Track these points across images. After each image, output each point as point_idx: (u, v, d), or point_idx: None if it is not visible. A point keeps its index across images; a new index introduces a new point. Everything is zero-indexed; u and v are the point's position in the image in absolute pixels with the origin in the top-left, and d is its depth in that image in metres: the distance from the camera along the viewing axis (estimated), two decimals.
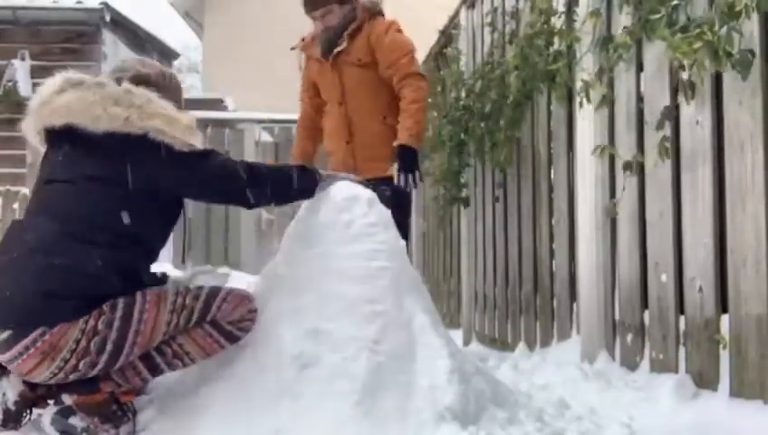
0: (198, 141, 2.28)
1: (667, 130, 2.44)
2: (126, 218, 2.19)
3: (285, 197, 2.50)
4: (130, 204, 2.20)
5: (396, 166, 3.33)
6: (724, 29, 1.97)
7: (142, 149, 2.20)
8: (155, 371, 2.27)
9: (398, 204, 3.15)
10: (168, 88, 2.43)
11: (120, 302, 2.14)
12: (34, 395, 2.25)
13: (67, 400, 2.19)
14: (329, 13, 3.50)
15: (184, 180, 2.27)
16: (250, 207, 2.41)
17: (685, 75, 2.20)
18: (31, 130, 2.32)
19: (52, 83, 2.28)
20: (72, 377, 2.14)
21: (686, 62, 2.14)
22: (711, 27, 2.01)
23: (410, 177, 3.33)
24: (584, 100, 2.90)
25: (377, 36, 3.49)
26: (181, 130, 2.24)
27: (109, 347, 2.12)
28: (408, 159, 3.32)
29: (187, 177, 2.27)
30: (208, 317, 2.25)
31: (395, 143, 3.35)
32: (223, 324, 2.27)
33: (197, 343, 2.26)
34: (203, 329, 2.26)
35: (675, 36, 2.12)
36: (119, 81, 2.34)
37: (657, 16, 2.24)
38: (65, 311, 2.08)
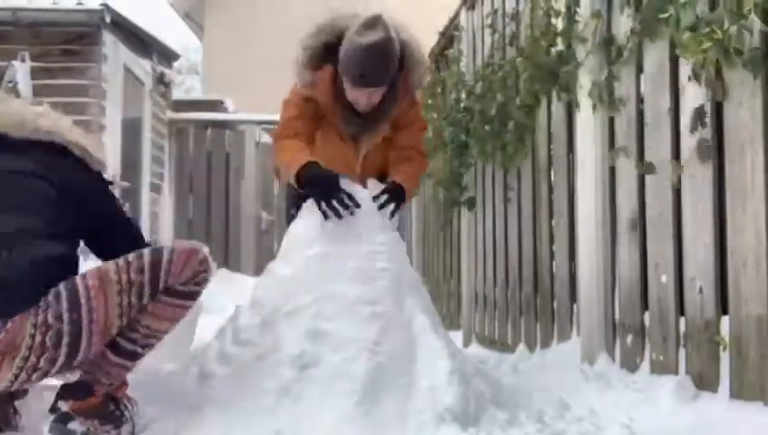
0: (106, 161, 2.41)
1: (704, 133, 2.33)
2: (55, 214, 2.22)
3: None
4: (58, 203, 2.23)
5: (384, 195, 2.73)
6: (734, 28, 1.96)
7: (66, 160, 2.28)
8: (133, 357, 2.21)
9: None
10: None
11: (63, 290, 2.08)
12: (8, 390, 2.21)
13: (63, 406, 2.17)
14: (378, 92, 2.80)
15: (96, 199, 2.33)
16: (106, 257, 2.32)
17: (704, 71, 2.16)
18: None
19: None
20: (35, 377, 2.09)
21: (697, 61, 2.13)
22: (720, 26, 2.00)
23: (392, 206, 2.73)
24: (592, 101, 2.89)
25: (406, 120, 3.02)
26: (94, 145, 2.37)
27: (66, 340, 2.06)
28: (398, 195, 2.76)
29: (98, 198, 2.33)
30: (161, 286, 2.17)
31: (392, 179, 2.83)
32: (178, 288, 2.19)
33: (162, 317, 2.19)
34: (162, 302, 2.18)
35: (684, 35, 2.11)
36: None
37: (665, 15, 2.24)
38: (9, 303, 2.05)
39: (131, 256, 2.17)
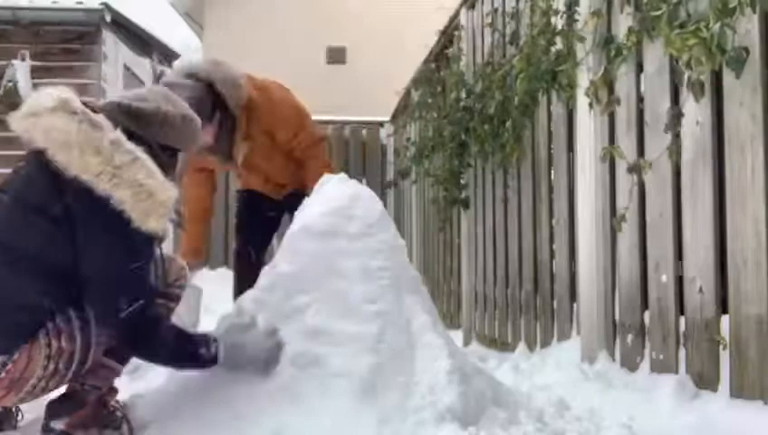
0: (164, 223, 2.09)
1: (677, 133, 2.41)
2: (63, 259, 2.03)
3: (176, 367, 2.33)
4: (70, 248, 2.03)
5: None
6: (718, 26, 1.96)
7: (96, 211, 2.01)
8: (125, 360, 2.27)
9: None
10: (181, 133, 2.25)
11: (72, 312, 2.04)
12: None
13: (58, 425, 2.12)
14: (205, 130, 3.17)
15: (97, 263, 2.05)
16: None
17: (693, 74, 2.19)
18: (19, 128, 2.13)
19: (48, 98, 2.08)
20: (41, 395, 2.09)
21: (683, 59, 2.14)
22: (707, 24, 2.01)
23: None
24: (593, 101, 2.89)
25: (267, 121, 3.46)
26: (145, 210, 2.03)
27: (77, 358, 2.05)
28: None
29: (104, 265, 2.05)
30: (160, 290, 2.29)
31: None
32: (166, 290, 2.33)
33: None
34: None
35: (673, 33, 2.12)
36: (127, 114, 2.14)
37: (658, 13, 2.24)
38: (9, 336, 1.98)
39: None
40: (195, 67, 3.33)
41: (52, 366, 2.02)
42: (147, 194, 2.03)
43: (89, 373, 2.17)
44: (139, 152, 2.07)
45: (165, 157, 2.18)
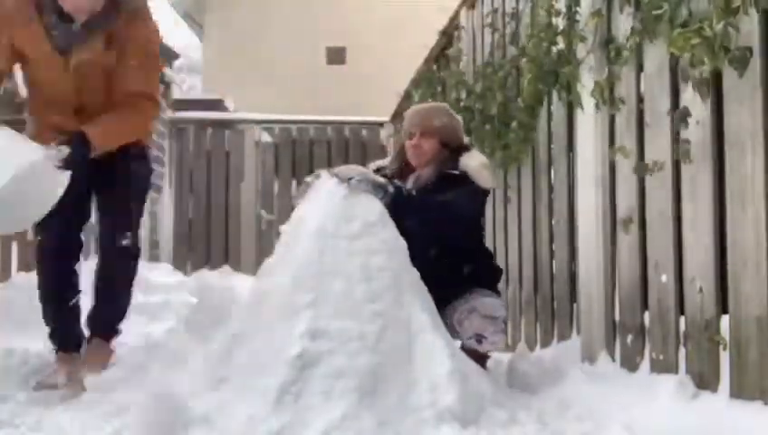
0: None
1: (687, 133, 2.38)
2: None
3: None
4: None
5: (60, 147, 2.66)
6: (721, 25, 1.96)
7: None
8: None
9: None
10: None
11: None
12: None
13: None
14: None
15: None
16: None
17: (696, 73, 2.18)
18: None
19: None
20: None
21: (685, 58, 2.13)
22: (710, 23, 2.01)
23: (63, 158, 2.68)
24: (592, 100, 2.89)
25: (132, 45, 2.77)
26: None
27: None
28: (78, 148, 2.67)
29: None
30: None
31: (83, 128, 2.72)
32: None
33: None
34: None
35: (674, 32, 2.12)
36: None
37: (659, 12, 2.24)
38: None
39: None
40: None
41: None
42: None
43: None
44: None
45: None
